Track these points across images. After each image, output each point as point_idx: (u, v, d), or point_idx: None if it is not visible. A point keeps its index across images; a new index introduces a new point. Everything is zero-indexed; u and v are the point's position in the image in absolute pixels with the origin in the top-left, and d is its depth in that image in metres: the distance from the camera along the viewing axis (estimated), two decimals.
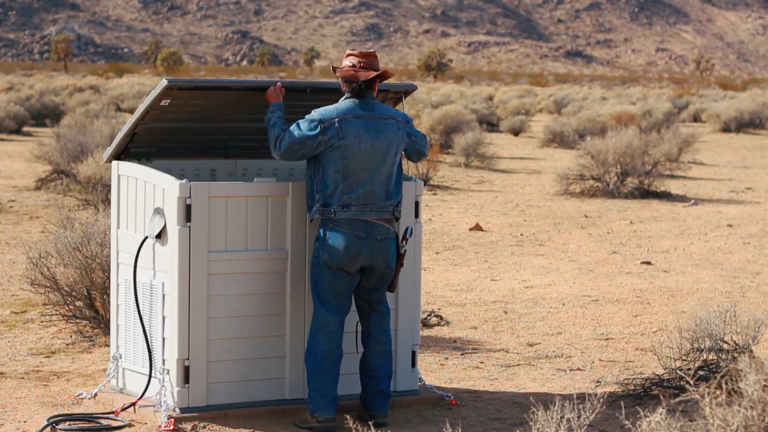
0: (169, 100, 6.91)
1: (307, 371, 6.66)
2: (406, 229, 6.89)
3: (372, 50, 6.84)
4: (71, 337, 8.87)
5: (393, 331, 7.17)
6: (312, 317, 6.74)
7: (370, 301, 6.78)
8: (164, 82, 6.80)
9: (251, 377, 6.90)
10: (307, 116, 6.64)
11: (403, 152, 6.86)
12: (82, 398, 7.18)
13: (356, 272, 6.66)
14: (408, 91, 7.47)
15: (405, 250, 6.84)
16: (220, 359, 6.79)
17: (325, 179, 6.59)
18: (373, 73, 6.70)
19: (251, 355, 6.89)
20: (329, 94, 7.24)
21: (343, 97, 6.74)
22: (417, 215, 7.22)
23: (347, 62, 6.72)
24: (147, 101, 6.90)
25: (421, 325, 8.32)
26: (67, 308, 9.01)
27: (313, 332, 6.67)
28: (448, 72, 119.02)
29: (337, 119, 6.59)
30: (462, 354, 8.60)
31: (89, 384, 7.55)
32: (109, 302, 8.31)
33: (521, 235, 14.90)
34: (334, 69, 6.79)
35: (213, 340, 6.77)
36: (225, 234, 6.77)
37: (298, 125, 6.61)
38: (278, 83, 6.95)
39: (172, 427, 6.52)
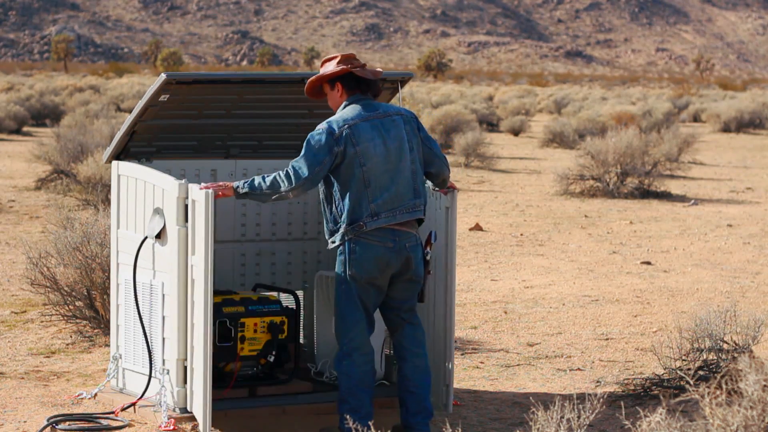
0: (168, 96, 6.88)
1: (343, 391, 6.34)
2: (430, 234, 6.57)
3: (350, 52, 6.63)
4: (71, 337, 8.87)
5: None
6: (341, 337, 6.39)
7: (401, 313, 6.44)
8: (163, 76, 6.75)
9: None
10: (310, 135, 6.27)
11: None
12: (82, 398, 7.18)
13: (385, 285, 6.33)
14: (405, 79, 7.27)
15: (430, 256, 6.52)
16: None
17: (346, 196, 6.22)
18: (378, 68, 6.50)
19: None
20: None
21: (342, 106, 6.40)
22: None
23: (335, 67, 6.36)
24: (146, 97, 6.88)
25: None
26: (67, 308, 9.01)
27: (345, 352, 6.33)
28: (448, 72, 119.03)
29: (345, 126, 6.24)
30: (462, 354, 8.60)
31: (89, 384, 7.55)
32: (109, 302, 8.31)
33: (521, 235, 14.90)
34: (320, 79, 6.41)
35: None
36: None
37: (305, 149, 6.20)
38: (219, 193, 6.32)
39: (172, 427, 6.52)
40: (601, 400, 5.17)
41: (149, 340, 6.86)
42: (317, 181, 6.24)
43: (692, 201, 18.93)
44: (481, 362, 8.39)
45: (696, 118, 47.58)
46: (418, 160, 6.40)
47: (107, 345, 8.52)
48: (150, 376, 6.83)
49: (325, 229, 6.38)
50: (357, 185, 6.22)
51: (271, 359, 6.93)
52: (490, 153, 24.98)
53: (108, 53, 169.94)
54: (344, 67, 6.38)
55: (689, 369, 7.30)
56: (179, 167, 7.45)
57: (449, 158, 25.09)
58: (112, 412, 6.80)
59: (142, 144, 7.26)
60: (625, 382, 7.60)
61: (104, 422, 6.68)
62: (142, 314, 6.88)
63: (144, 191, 6.92)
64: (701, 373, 7.24)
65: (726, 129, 39.69)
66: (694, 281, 11.75)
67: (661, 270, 12.43)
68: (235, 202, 7.59)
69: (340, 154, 6.22)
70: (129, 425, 6.64)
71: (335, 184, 6.28)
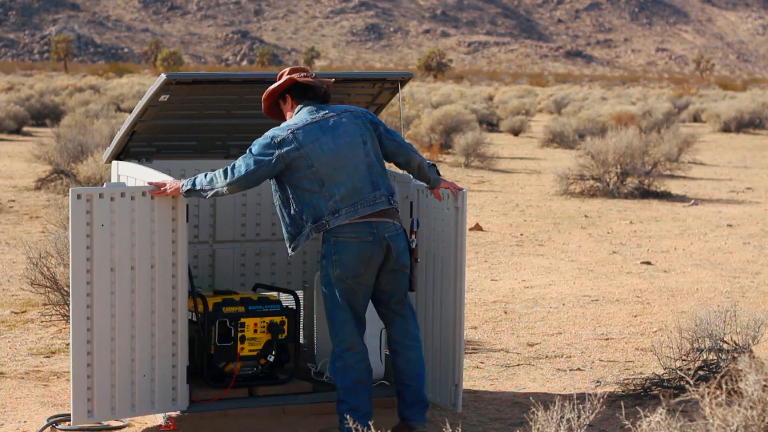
0: (168, 96, 6.88)
1: (340, 392, 6.34)
2: (413, 222, 6.61)
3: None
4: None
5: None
6: (334, 337, 6.37)
7: (391, 305, 6.44)
8: (163, 77, 6.74)
9: None
10: (255, 140, 6.33)
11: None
12: None
13: (372, 280, 6.32)
14: (405, 79, 7.29)
15: (416, 244, 6.52)
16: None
17: (303, 197, 6.25)
18: (330, 79, 6.53)
19: None
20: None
21: (295, 112, 6.44)
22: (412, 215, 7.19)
23: (288, 78, 6.45)
24: (146, 97, 6.88)
25: None
26: (67, 308, 9.01)
27: (338, 353, 6.34)
28: (448, 72, 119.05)
29: (288, 131, 6.27)
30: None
31: None
32: None
33: (521, 235, 14.90)
34: (271, 95, 6.48)
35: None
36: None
37: (247, 151, 6.29)
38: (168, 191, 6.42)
39: (172, 427, 6.52)
40: (601, 400, 5.17)
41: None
42: (253, 181, 6.25)
43: (692, 201, 18.92)
44: (481, 362, 8.38)
45: (696, 118, 47.57)
46: (373, 154, 6.38)
47: None
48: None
49: (285, 235, 6.36)
50: (311, 185, 6.23)
51: (271, 359, 6.94)
52: (490, 153, 24.97)
53: (108, 53, 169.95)
54: (289, 77, 6.44)
55: (689, 369, 7.30)
56: (179, 167, 7.45)
57: (449, 158, 25.11)
58: None
59: (142, 144, 7.26)
60: (625, 382, 7.60)
61: (104, 422, 6.68)
62: None
63: None
64: (701, 373, 7.24)
65: (726, 129, 39.69)
66: (694, 281, 11.75)
67: (661, 270, 12.43)
68: (235, 202, 7.60)
69: (283, 158, 6.22)
70: (129, 425, 6.64)
71: (289, 189, 6.28)
